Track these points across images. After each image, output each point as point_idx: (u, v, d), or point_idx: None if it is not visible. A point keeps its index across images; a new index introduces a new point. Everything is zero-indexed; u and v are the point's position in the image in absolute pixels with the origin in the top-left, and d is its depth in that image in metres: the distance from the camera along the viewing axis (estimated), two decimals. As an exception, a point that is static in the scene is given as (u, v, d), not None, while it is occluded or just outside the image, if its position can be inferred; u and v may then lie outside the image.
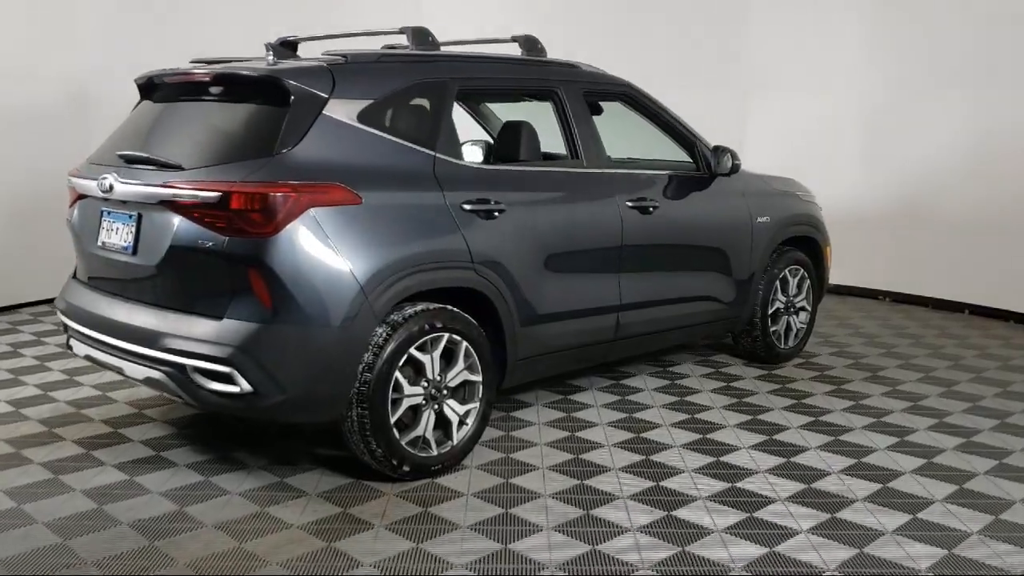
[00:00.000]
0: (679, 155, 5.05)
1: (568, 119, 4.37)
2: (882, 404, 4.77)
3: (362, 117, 3.56)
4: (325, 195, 3.33)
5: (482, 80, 4.17)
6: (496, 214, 3.84)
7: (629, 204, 4.44)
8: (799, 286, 5.61)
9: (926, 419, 4.54)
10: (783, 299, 5.47)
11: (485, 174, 3.96)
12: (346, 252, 3.33)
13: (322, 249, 3.29)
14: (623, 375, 5.18)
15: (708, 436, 4.23)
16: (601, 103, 5.12)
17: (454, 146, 3.84)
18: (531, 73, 4.39)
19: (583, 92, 4.48)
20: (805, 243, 5.66)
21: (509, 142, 4.36)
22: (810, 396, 4.89)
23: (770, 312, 5.39)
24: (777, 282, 5.40)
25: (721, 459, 3.95)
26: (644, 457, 3.96)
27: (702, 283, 4.93)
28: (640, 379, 5.12)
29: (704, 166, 4.96)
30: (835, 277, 8.03)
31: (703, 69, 8.34)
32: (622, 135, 5.44)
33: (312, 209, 3.28)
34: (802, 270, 5.58)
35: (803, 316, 5.67)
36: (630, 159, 5.12)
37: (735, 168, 4.89)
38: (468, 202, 3.75)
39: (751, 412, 4.60)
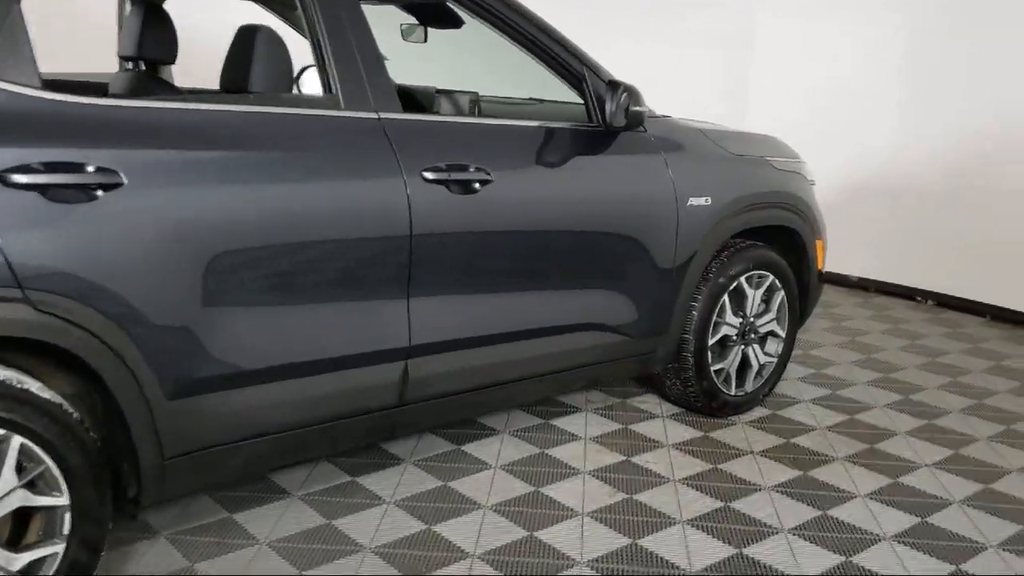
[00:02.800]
0: (569, 97, 3.16)
1: (317, 29, 2.51)
2: (865, 521, 2.86)
3: None
4: None
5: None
6: (99, 192, 2.03)
7: (429, 176, 2.57)
8: (767, 301, 3.68)
9: (936, 563, 2.63)
10: (735, 321, 3.55)
11: (80, 114, 2.10)
12: None
13: None
14: (482, 432, 3.37)
15: (530, 589, 2.41)
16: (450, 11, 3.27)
17: (18, 61, 2.02)
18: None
19: (354, -17, 2.61)
20: (779, 235, 3.73)
21: (233, 62, 2.55)
22: (746, 495, 3.00)
23: (711, 342, 3.48)
24: (725, 296, 3.48)
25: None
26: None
27: (577, 304, 3.04)
28: (494, 443, 3.29)
29: (597, 114, 3.05)
30: (862, 268, 6.04)
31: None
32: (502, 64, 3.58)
33: None
34: (771, 277, 3.63)
35: (773, 345, 3.74)
36: (470, 99, 3.25)
37: (634, 119, 2.97)
38: (16, 169, 1.93)
39: (632, 527, 2.74)
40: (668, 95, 6.25)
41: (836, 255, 6.13)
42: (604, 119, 3.01)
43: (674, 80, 6.05)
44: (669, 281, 3.25)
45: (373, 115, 2.52)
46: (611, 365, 3.24)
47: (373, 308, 2.52)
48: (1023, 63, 5.15)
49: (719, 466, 3.20)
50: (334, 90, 2.50)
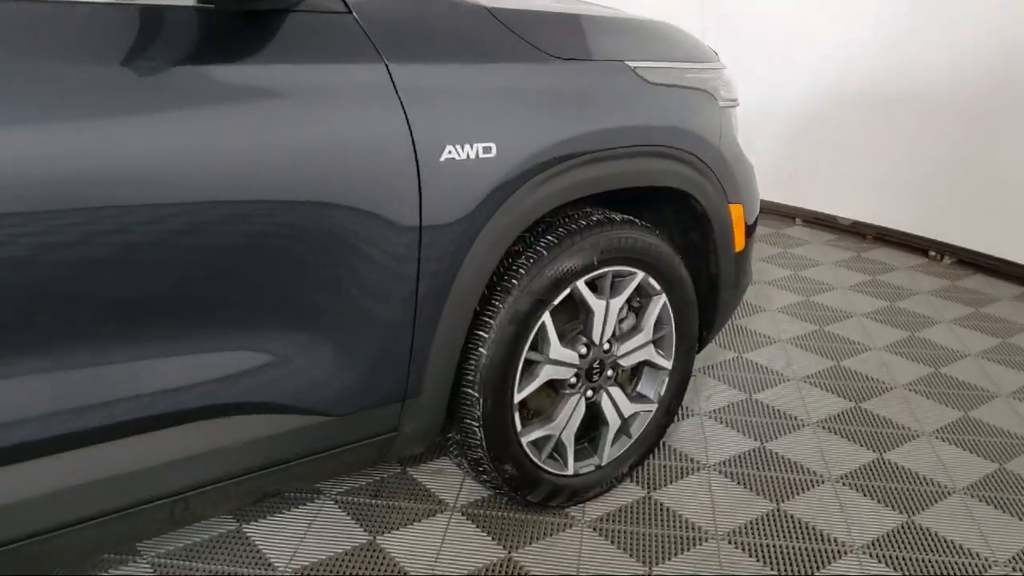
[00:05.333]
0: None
1: None
2: None
3: None
4: None
5: None
6: None
7: None
8: (638, 311, 2.15)
9: None
10: (570, 355, 2.02)
11: None
12: None
13: None
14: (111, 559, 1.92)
15: None
16: None
17: None
18: None
19: None
20: (666, 202, 2.18)
21: None
22: None
23: (519, 396, 1.95)
24: (546, 315, 1.93)
25: None
26: None
27: (179, 372, 1.48)
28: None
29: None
30: (857, 208, 4.42)
31: None
32: None
33: None
34: (640, 274, 2.07)
35: (650, 384, 2.23)
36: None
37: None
38: None
39: None
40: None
41: (820, 191, 4.53)
42: (222, -14, 1.43)
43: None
44: (407, 304, 1.70)
45: None
46: (296, 468, 1.71)
47: None
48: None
49: (496, 649, 1.72)
50: None
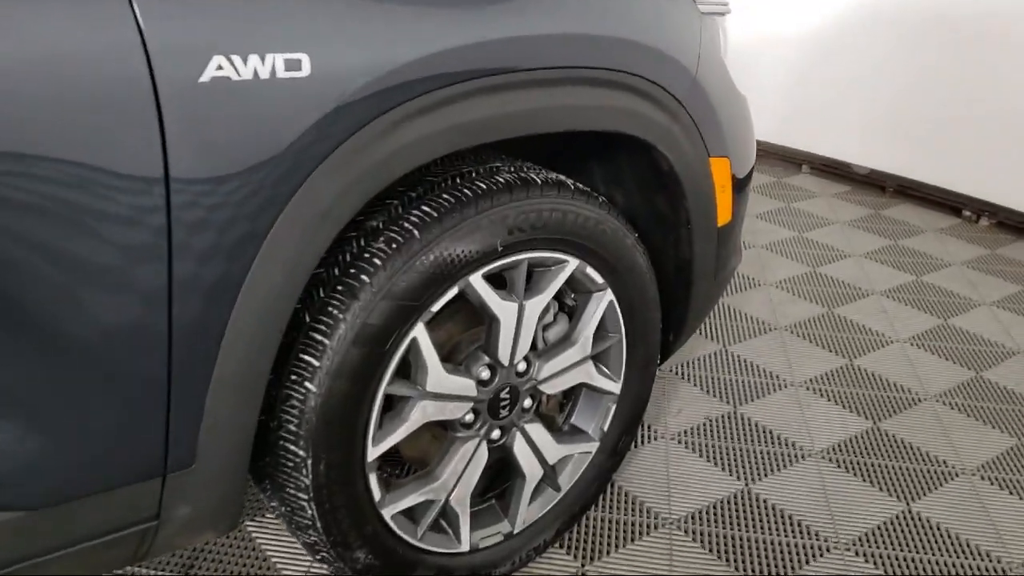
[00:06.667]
0: None
1: None
2: None
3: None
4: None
5: None
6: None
7: None
8: (574, 318, 1.45)
9: None
10: (465, 384, 1.33)
11: None
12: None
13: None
14: None
15: None
16: None
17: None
18: None
19: None
20: (621, 153, 1.47)
21: None
22: None
23: (371, 453, 1.27)
24: (420, 327, 1.24)
25: None
26: None
27: None
28: None
29: None
30: (875, 154, 3.70)
31: None
32: None
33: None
34: (573, 263, 1.37)
35: (589, 416, 1.55)
36: None
37: None
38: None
39: None
40: None
41: (832, 132, 3.81)
42: None
43: None
44: (149, 316, 1.00)
45: None
46: None
47: None
48: None
49: None
50: None
